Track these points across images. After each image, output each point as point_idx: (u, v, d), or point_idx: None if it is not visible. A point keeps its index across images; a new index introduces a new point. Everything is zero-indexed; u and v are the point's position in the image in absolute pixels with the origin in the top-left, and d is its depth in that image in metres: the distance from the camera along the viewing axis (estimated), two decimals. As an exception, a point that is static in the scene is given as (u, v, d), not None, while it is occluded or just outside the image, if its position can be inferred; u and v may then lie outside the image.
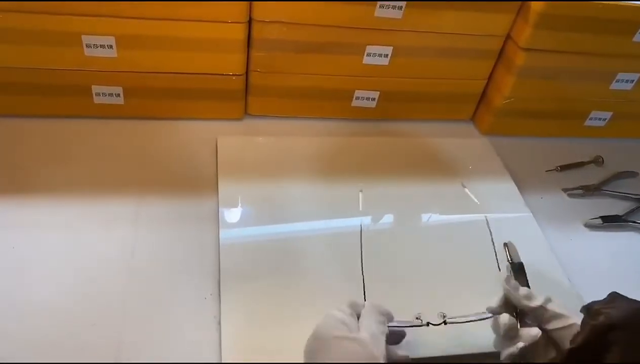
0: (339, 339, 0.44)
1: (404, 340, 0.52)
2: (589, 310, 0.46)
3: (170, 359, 0.52)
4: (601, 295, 0.64)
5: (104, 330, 0.53)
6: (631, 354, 0.42)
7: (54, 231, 0.61)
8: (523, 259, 0.66)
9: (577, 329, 0.46)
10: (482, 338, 0.52)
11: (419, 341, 0.53)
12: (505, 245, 0.60)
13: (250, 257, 0.60)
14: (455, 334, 0.54)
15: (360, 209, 0.69)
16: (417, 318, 0.53)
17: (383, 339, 0.46)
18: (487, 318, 0.51)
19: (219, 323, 0.54)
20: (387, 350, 0.46)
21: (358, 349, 0.44)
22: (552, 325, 0.48)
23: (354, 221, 0.68)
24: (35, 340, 0.51)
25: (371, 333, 0.46)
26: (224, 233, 0.62)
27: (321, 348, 0.44)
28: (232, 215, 0.65)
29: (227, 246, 0.61)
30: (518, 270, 0.57)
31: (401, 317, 0.52)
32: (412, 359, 0.51)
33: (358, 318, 0.48)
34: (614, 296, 0.47)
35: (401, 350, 0.50)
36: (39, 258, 0.58)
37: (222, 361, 0.51)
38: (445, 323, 0.53)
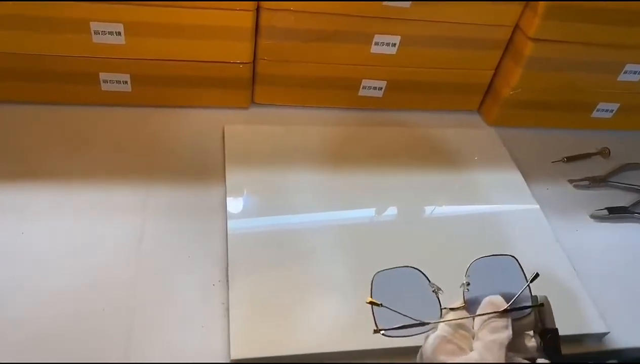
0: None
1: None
2: None
3: (180, 343, 0.52)
4: (607, 286, 0.65)
5: (113, 315, 0.53)
6: None
7: (62, 218, 0.61)
8: (528, 251, 0.66)
9: None
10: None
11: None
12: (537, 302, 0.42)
13: (257, 246, 0.61)
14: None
15: (367, 199, 0.69)
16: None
17: (500, 350, 0.38)
18: None
19: (227, 310, 0.55)
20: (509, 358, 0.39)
21: None
22: None
23: (360, 212, 0.68)
24: (45, 325, 0.52)
25: (484, 346, 0.38)
26: (231, 222, 0.62)
27: None
28: (239, 203, 0.66)
29: (235, 235, 0.61)
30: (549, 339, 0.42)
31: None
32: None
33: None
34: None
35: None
36: (47, 244, 0.58)
37: (231, 347, 0.51)
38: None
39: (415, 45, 0.77)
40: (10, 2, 0.64)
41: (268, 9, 0.70)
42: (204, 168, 0.70)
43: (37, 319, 0.52)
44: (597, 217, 0.75)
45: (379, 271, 0.41)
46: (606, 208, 0.75)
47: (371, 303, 0.40)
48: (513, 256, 0.43)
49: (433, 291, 0.41)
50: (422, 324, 0.40)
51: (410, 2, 0.71)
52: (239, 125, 0.76)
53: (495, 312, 0.40)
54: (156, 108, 0.77)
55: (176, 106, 0.78)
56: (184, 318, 0.54)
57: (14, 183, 0.64)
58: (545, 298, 0.43)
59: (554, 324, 0.42)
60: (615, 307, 0.63)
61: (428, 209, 0.70)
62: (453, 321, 0.40)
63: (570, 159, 0.83)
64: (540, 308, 0.42)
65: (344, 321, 0.55)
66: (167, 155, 0.71)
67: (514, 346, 0.40)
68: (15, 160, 0.67)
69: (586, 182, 0.79)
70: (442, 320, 0.40)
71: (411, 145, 0.79)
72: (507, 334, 0.39)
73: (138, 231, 0.61)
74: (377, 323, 0.40)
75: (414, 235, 0.66)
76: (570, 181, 0.80)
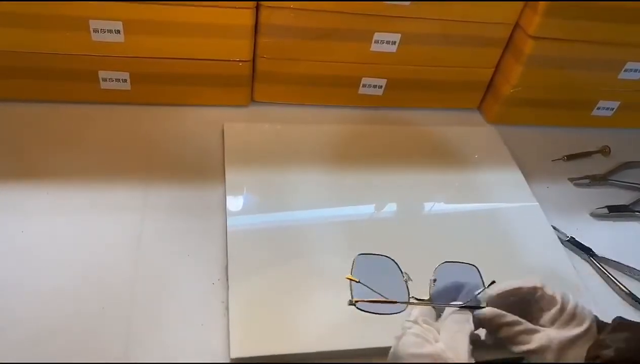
0: (414, 357, 0.42)
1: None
2: (595, 341, 0.43)
3: (179, 342, 0.52)
4: (606, 284, 0.65)
5: (113, 314, 0.53)
6: None
7: (62, 216, 0.61)
8: (529, 249, 0.66)
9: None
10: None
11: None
12: None
13: (257, 244, 0.61)
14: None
15: (367, 197, 0.69)
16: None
17: (464, 339, 0.42)
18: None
19: (227, 308, 0.54)
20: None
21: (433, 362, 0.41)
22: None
23: (360, 209, 0.68)
24: (45, 324, 0.52)
25: (450, 337, 0.43)
26: (231, 220, 0.62)
27: None
28: (238, 201, 0.65)
29: (234, 233, 0.61)
30: None
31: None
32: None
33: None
34: (619, 324, 0.45)
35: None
36: (47, 242, 0.58)
37: (230, 345, 0.51)
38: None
39: (415, 43, 0.77)
40: (9, 0, 0.63)
41: (268, 6, 0.70)
42: (204, 166, 0.70)
43: (36, 318, 0.52)
44: (597, 215, 0.74)
45: (360, 254, 0.47)
46: (606, 207, 0.75)
47: (350, 279, 0.45)
48: (475, 266, 0.49)
49: (404, 281, 0.46)
50: (393, 302, 0.45)
51: (410, 0, 0.71)
52: (238, 123, 0.76)
53: (454, 305, 0.46)
54: (155, 106, 0.77)
55: (175, 104, 0.78)
56: (184, 316, 0.54)
57: (14, 181, 0.64)
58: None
59: None
60: (616, 306, 0.63)
61: (428, 207, 0.70)
62: (420, 318, 0.44)
63: (570, 157, 0.83)
64: None
65: (344, 319, 0.55)
66: (166, 153, 0.71)
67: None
68: (15, 158, 0.66)
69: (586, 180, 0.79)
70: (410, 302, 0.45)
71: (411, 143, 0.79)
72: (469, 326, 0.44)
73: (137, 229, 0.61)
74: (352, 296, 0.45)
75: (414, 233, 0.66)
76: (571, 179, 0.80)
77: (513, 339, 0.45)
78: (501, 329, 0.45)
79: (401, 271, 0.47)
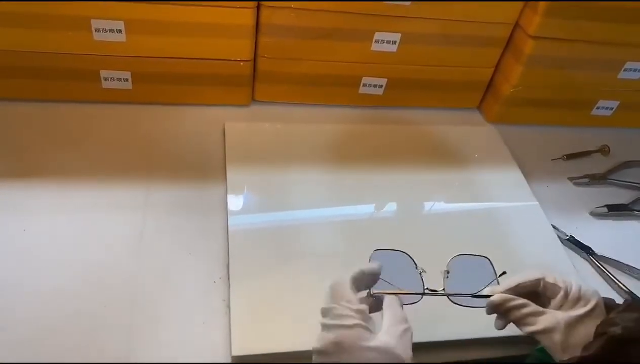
0: (363, 350, 0.42)
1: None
2: (604, 319, 0.44)
3: (181, 340, 0.52)
4: (606, 283, 0.65)
5: (114, 312, 0.54)
6: None
7: (64, 215, 0.61)
8: (529, 247, 0.66)
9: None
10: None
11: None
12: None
13: (258, 242, 0.61)
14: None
15: (366, 197, 0.69)
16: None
17: (408, 335, 0.44)
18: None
19: (228, 306, 0.55)
20: None
21: (382, 357, 0.42)
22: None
23: (361, 208, 0.68)
24: (47, 322, 0.52)
25: (395, 334, 0.43)
26: (232, 219, 0.62)
27: (343, 356, 0.42)
28: (239, 200, 0.66)
29: (236, 232, 0.61)
30: None
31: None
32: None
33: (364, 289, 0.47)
34: (630, 304, 0.46)
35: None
36: (49, 241, 0.59)
37: (232, 343, 0.51)
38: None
39: (415, 43, 0.77)
40: (11, 1, 0.64)
41: (268, 6, 0.70)
42: (205, 166, 0.70)
43: (38, 317, 0.52)
44: (596, 214, 0.75)
45: (376, 249, 0.49)
46: (606, 206, 0.75)
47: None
48: (487, 258, 0.51)
49: (419, 273, 0.48)
50: (408, 293, 0.47)
51: (410, 0, 0.71)
52: (239, 123, 0.76)
53: (467, 295, 0.48)
54: (157, 105, 0.77)
55: (177, 103, 0.78)
56: (185, 314, 0.55)
57: (16, 181, 0.64)
58: None
59: None
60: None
61: (428, 206, 0.71)
62: (362, 307, 0.44)
63: (570, 157, 0.83)
64: None
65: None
66: (167, 153, 0.71)
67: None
68: (17, 157, 0.67)
69: (586, 180, 0.79)
70: (425, 292, 0.48)
71: (412, 142, 0.79)
72: (408, 325, 0.45)
73: (139, 228, 0.61)
74: (370, 290, 0.47)
75: (415, 232, 0.66)
76: (570, 178, 0.80)
77: (522, 321, 0.46)
78: (510, 312, 0.47)
79: (416, 265, 0.49)
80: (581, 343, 0.44)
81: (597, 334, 0.44)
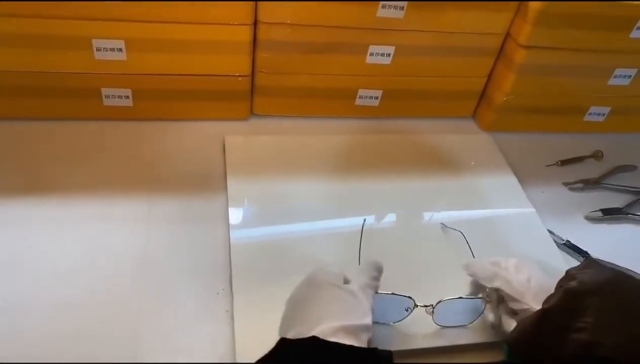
0: (332, 286, 0.47)
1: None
2: (565, 274, 0.48)
3: (185, 351, 0.53)
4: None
5: (118, 324, 0.54)
6: (604, 320, 0.43)
7: (68, 230, 0.62)
8: (526, 253, 0.67)
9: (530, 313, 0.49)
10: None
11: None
12: None
13: (260, 254, 0.62)
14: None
15: (366, 206, 0.70)
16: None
17: (372, 293, 0.49)
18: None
19: (232, 317, 0.56)
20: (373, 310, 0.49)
21: (349, 297, 0.47)
22: (511, 305, 0.52)
23: (360, 219, 0.69)
24: (53, 336, 0.53)
25: (362, 285, 0.49)
26: (234, 232, 0.63)
27: (313, 292, 0.47)
28: (241, 213, 0.67)
29: (237, 244, 0.62)
30: None
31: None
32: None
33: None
34: (589, 262, 0.49)
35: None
36: (54, 256, 0.59)
37: (236, 354, 0.52)
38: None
39: (409, 55, 0.79)
40: (13, 21, 0.65)
41: (265, 22, 0.72)
42: (206, 179, 0.71)
43: (44, 332, 0.53)
44: (591, 219, 0.76)
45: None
46: (600, 210, 0.76)
47: None
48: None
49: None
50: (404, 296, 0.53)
51: (403, 13, 0.73)
52: (239, 136, 0.77)
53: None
54: (157, 121, 0.78)
55: (177, 119, 0.79)
56: (189, 326, 0.55)
57: (20, 198, 0.65)
58: None
59: None
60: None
61: (427, 215, 0.72)
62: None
63: (564, 162, 0.85)
64: None
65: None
66: (169, 167, 0.72)
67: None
68: (21, 174, 0.68)
69: (580, 185, 0.81)
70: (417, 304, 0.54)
71: (408, 152, 0.80)
72: (378, 284, 0.51)
73: (142, 242, 0.62)
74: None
75: (413, 241, 0.67)
76: (565, 184, 0.81)
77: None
78: (495, 278, 0.54)
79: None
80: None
81: (557, 288, 0.48)
